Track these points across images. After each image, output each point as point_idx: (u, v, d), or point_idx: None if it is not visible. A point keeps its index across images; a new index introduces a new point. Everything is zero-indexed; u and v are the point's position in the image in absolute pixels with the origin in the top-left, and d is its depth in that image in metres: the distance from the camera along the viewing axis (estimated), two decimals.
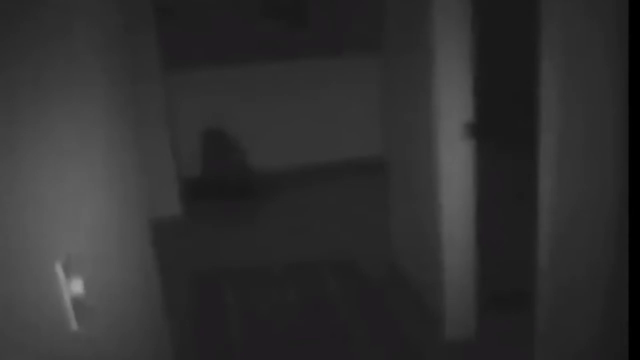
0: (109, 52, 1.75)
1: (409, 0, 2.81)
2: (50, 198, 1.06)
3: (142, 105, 4.57)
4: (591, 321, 1.75)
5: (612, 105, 1.58)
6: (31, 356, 0.88)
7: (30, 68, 1.04)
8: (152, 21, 4.45)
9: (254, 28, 5.38)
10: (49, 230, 1.04)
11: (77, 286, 1.09)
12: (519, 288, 2.41)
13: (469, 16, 2.40)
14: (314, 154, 5.76)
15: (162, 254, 3.96)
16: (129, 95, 2.12)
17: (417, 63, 2.77)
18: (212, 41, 5.36)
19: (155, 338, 1.95)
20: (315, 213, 4.79)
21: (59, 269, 1.04)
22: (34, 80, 1.05)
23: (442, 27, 2.42)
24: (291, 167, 5.73)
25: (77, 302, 1.08)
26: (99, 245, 1.38)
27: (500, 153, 2.69)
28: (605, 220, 1.64)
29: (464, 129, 2.50)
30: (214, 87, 5.50)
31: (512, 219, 2.57)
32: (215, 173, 5.30)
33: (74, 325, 1.07)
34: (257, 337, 3.03)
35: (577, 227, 1.78)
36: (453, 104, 2.50)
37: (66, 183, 1.16)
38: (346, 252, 4.00)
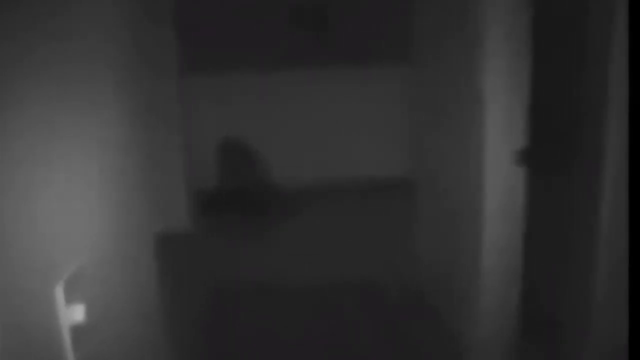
0: (122, 51, 1.75)
1: (450, 8, 2.80)
2: (48, 211, 1.06)
3: (154, 109, 4.60)
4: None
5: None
6: None
7: (31, 65, 1.02)
8: (171, 22, 4.49)
9: (276, 35, 5.41)
10: (47, 247, 1.04)
11: (77, 312, 1.08)
12: (558, 320, 2.37)
13: (526, 24, 2.39)
14: (338, 169, 5.76)
15: (170, 271, 3.96)
16: (140, 99, 2.12)
17: (459, 77, 2.78)
18: (232, 46, 5.40)
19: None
20: (336, 232, 4.80)
21: (58, 293, 1.05)
22: (32, 79, 1.03)
23: (492, 37, 2.42)
24: (312, 182, 5.73)
25: (76, 330, 1.09)
26: (102, 262, 1.39)
27: (551, 178, 2.66)
28: None
29: (515, 156, 2.51)
30: (232, 95, 5.52)
31: (559, 247, 2.54)
32: (231, 186, 5.30)
33: (70, 356, 1.06)
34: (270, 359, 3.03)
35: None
36: (503, 123, 2.52)
37: (65, 192, 1.16)
38: (367, 275, 4.01)
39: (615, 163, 1.96)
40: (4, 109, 0.92)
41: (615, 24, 1.79)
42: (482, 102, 2.49)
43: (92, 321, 1.22)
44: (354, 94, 5.64)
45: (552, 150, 2.61)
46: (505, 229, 2.59)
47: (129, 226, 1.71)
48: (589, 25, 2.11)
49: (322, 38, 5.46)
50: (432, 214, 3.42)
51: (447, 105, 2.97)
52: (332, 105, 5.65)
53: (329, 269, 4.17)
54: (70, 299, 1.08)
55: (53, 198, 1.08)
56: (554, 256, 2.62)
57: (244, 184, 5.32)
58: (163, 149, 4.72)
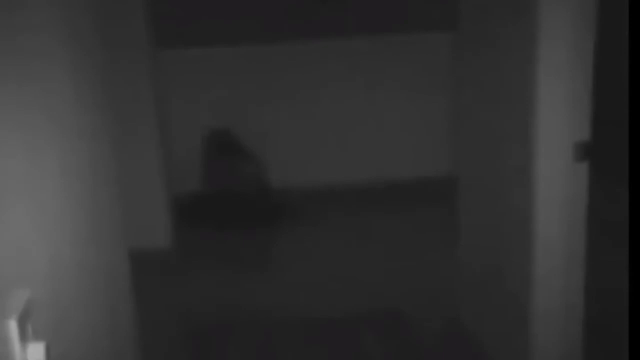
0: (78, 22, 1.76)
1: None
2: None
3: (123, 96, 4.59)
4: None
5: None
6: None
7: None
8: None
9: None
10: None
11: (35, 351, 1.07)
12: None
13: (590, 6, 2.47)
14: (355, 169, 5.74)
15: (147, 297, 3.96)
16: (104, 82, 2.13)
17: (512, 55, 2.80)
18: (222, 12, 5.37)
19: None
20: (358, 248, 4.78)
21: (11, 328, 1.03)
22: None
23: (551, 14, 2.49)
24: (324, 185, 5.71)
25: None
26: (64, 289, 1.38)
27: (617, 176, 2.68)
28: None
29: (575, 149, 2.52)
30: (221, 75, 5.51)
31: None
32: (221, 190, 5.30)
33: None
34: None
35: None
36: (562, 111, 2.55)
37: (14, 201, 1.14)
38: (392, 302, 3.99)
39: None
40: None
41: None
42: (537, 86, 2.54)
43: None
44: (379, 71, 5.60)
45: (618, 143, 2.62)
46: (563, 237, 2.61)
47: (96, 241, 1.71)
48: None
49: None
50: (476, 221, 3.43)
51: (495, 88, 3.01)
52: (351, 87, 5.61)
53: (349, 295, 4.13)
54: (26, 335, 1.07)
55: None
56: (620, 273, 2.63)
57: (239, 188, 5.31)
58: (135, 144, 4.70)
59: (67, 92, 1.55)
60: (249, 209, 5.29)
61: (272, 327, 3.80)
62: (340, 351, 3.54)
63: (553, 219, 2.62)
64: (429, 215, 5.18)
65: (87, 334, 1.54)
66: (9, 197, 1.11)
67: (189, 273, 4.57)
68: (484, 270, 3.29)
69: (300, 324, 3.82)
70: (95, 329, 1.62)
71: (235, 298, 4.18)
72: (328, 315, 3.89)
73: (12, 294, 1.07)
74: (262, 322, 3.87)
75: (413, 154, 5.74)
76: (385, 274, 4.35)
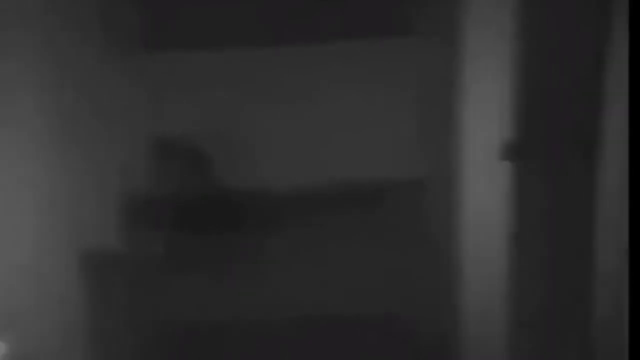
0: (63, 27, 1.74)
1: None
2: None
3: (78, 97, 4.53)
4: None
5: None
6: None
7: None
8: None
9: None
10: None
11: None
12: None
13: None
14: (326, 170, 5.79)
15: (103, 302, 3.93)
16: (63, 78, 2.17)
17: (441, 57, 3.02)
18: (207, 17, 5.40)
19: None
20: (329, 250, 4.83)
21: None
22: None
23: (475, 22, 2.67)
24: (294, 187, 5.74)
25: None
26: (17, 289, 1.40)
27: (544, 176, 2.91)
28: None
29: (501, 150, 2.70)
30: (172, 74, 5.55)
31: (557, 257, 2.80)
32: (174, 192, 5.34)
33: None
34: None
35: None
36: (486, 116, 2.72)
37: None
38: (388, 304, 4.07)
39: (613, 160, 2.31)
40: None
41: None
42: (461, 87, 2.70)
43: None
44: (351, 73, 5.68)
45: (542, 143, 2.75)
46: (488, 233, 2.86)
47: (48, 241, 1.72)
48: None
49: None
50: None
51: (427, 91, 3.29)
52: (316, 90, 5.68)
53: (346, 297, 4.18)
54: None
55: None
56: (547, 261, 2.84)
57: (193, 190, 5.30)
58: (91, 142, 4.63)
59: (24, 96, 1.51)
60: (205, 212, 5.29)
61: (231, 332, 3.88)
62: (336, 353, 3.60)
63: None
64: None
65: (38, 335, 1.52)
66: None
67: (141, 276, 4.55)
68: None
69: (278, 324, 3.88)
70: (45, 331, 1.60)
71: (197, 303, 4.25)
72: (316, 316, 3.97)
73: None
74: (222, 326, 3.92)
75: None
76: (362, 277, 4.41)
